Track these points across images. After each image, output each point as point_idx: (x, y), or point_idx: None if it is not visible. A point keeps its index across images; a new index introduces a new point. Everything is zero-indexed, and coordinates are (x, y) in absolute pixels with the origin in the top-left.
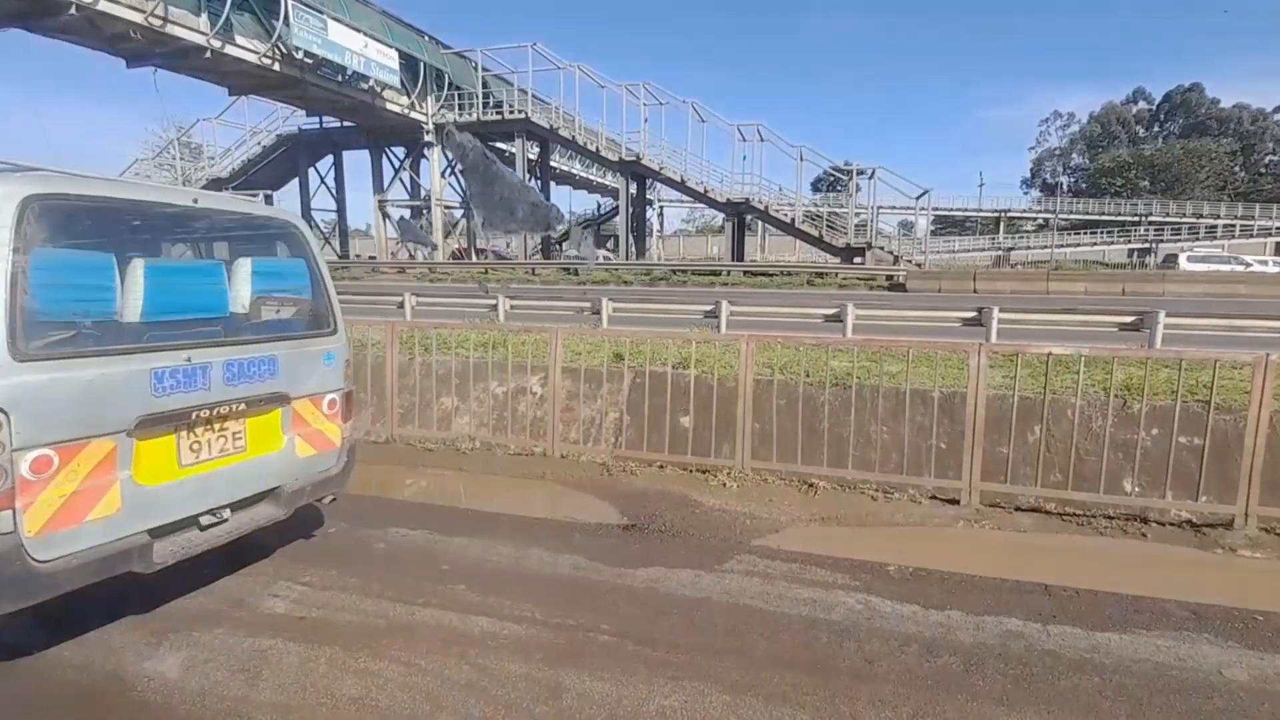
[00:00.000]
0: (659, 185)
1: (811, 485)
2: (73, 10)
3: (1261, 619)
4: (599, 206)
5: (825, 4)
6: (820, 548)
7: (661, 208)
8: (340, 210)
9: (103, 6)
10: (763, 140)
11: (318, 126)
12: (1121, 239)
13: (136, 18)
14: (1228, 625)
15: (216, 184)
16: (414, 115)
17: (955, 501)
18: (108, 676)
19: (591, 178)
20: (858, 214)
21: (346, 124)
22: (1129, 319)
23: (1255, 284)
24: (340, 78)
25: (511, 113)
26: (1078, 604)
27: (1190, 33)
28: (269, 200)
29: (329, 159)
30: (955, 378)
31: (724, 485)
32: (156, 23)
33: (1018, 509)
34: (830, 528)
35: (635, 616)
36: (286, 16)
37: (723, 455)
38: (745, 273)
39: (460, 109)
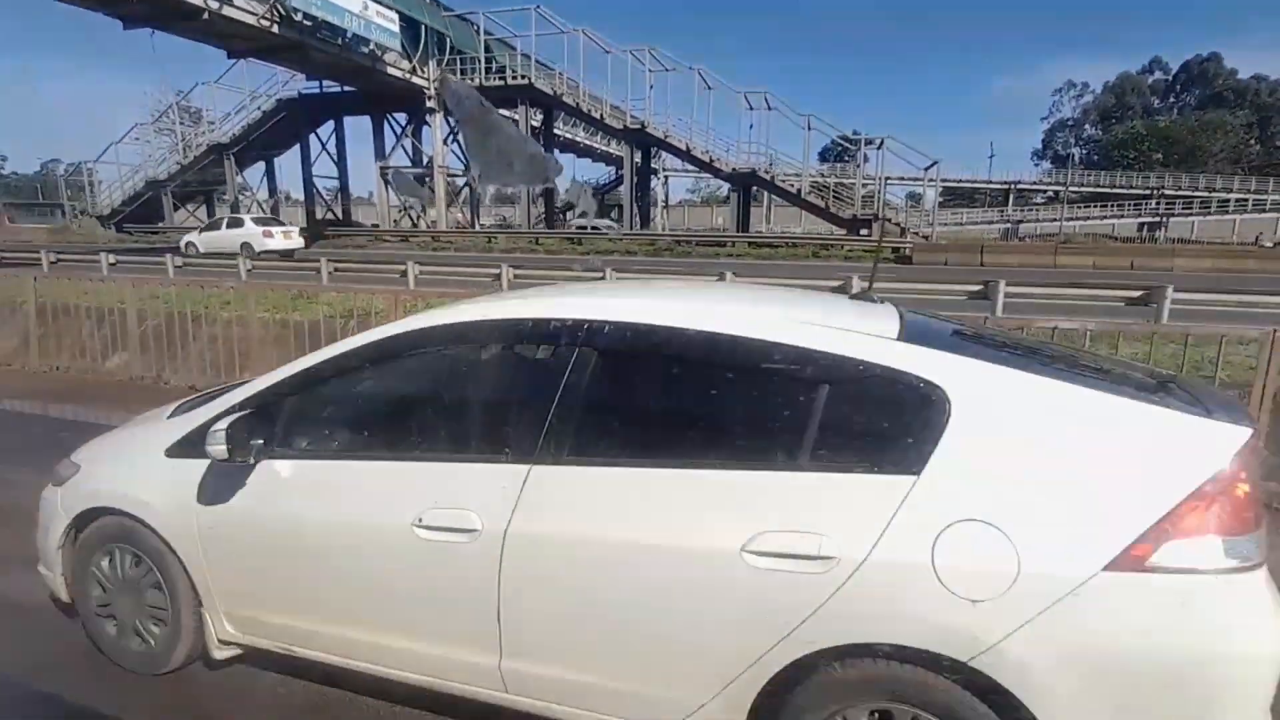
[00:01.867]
0: (664, 154)
1: None
2: None
3: None
4: (609, 175)
5: None
6: None
7: (666, 177)
8: (342, 177)
9: None
10: (770, 109)
11: (318, 91)
12: (1132, 213)
13: None
14: None
15: (217, 149)
16: (415, 80)
17: None
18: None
19: (596, 146)
20: (865, 185)
21: (348, 89)
22: (1137, 293)
23: (1265, 259)
24: (340, 40)
25: (514, 78)
26: None
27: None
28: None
29: (330, 125)
30: None
31: None
32: None
33: None
34: None
35: None
36: None
37: None
38: (750, 244)
39: (462, 74)
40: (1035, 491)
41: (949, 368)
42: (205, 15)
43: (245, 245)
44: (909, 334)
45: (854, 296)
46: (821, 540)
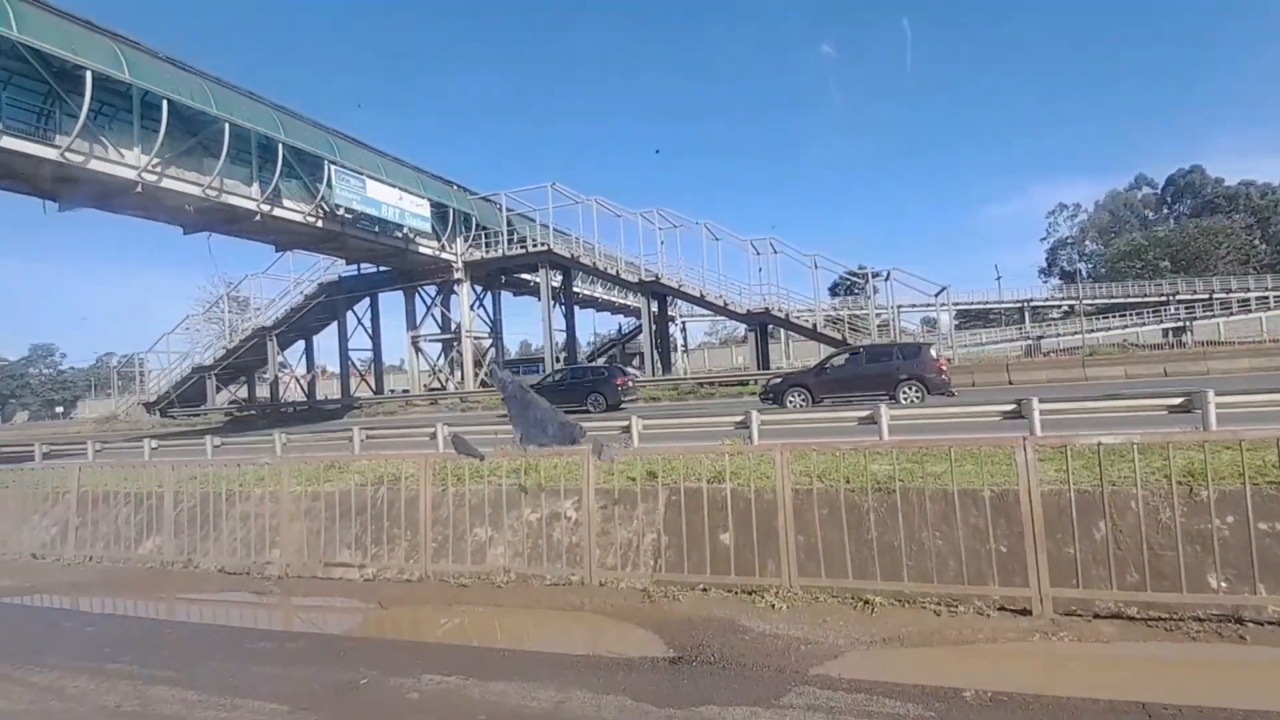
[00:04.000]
0: (679, 301)
1: (867, 602)
2: (139, 189)
3: None
4: (620, 327)
5: (826, 126)
6: (885, 674)
7: (684, 323)
8: (376, 349)
9: (166, 184)
10: (775, 252)
11: (355, 273)
12: (1153, 319)
13: (195, 191)
14: None
15: (261, 332)
16: (444, 256)
17: (1027, 612)
18: None
19: (614, 299)
20: (878, 314)
21: (382, 269)
22: (1177, 400)
23: None
24: (377, 228)
25: (535, 246)
26: None
27: (1183, 118)
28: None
29: (365, 301)
30: (1004, 474)
31: (772, 606)
32: (213, 194)
33: (1096, 616)
34: (893, 650)
35: None
36: (329, 180)
37: (768, 573)
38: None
39: (487, 246)
40: None
41: None
42: (257, 217)
43: None
44: None
45: None
46: None
